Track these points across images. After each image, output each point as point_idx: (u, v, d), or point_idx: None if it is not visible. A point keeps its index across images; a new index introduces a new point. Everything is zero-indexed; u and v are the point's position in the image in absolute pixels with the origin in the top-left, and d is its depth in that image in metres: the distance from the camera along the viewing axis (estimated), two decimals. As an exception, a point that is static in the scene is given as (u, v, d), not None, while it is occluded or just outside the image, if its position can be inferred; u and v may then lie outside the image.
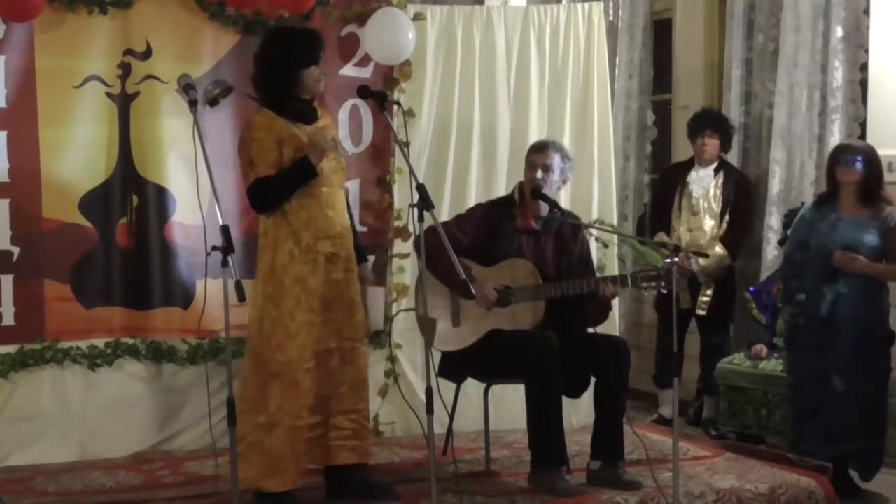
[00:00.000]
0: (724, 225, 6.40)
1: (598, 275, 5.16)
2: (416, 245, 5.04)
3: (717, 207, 6.42)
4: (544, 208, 4.96)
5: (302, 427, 4.40)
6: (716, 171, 6.48)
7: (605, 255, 6.00)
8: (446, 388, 4.90)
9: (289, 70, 4.40)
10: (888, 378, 5.24)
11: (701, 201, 6.48)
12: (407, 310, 5.63)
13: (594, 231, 5.75)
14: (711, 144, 6.51)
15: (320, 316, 4.43)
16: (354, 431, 4.54)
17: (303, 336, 4.37)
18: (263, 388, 4.35)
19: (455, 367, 4.96)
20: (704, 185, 6.49)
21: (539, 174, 4.91)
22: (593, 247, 5.75)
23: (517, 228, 4.94)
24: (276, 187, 4.34)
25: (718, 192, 6.44)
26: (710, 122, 6.57)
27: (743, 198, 6.46)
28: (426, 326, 4.53)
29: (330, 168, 4.45)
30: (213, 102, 4.42)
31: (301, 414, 4.39)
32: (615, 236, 5.98)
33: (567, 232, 5.00)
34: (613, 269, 6.04)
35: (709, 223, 6.44)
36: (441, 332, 4.82)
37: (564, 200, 5.96)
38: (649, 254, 5.82)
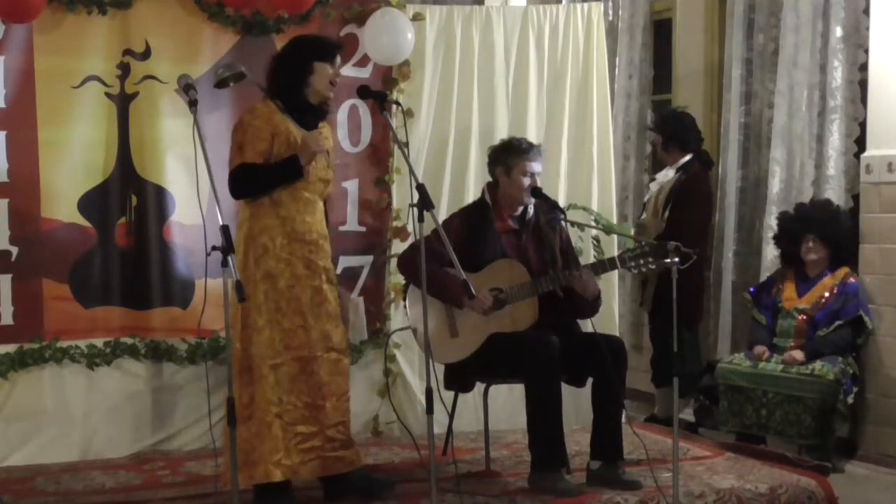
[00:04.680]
0: (663, 222, 6.43)
1: (580, 261, 5.16)
2: (401, 266, 5.04)
3: (660, 205, 6.46)
4: (519, 207, 4.95)
5: (270, 422, 4.37)
6: (677, 171, 6.50)
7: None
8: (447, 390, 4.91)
9: (302, 59, 4.42)
10: None
11: (652, 199, 6.56)
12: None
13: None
14: (656, 141, 6.64)
15: (300, 321, 4.42)
16: (342, 443, 4.54)
17: (269, 332, 4.37)
18: (235, 381, 4.31)
19: (460, 377, 4.95)
20: (661, 184, 6.56)
21: (538, 181, 4.93)
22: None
23: (496, 230, 4.93)
24: (258, 177, 4.36)
25: (667, 188, 6.46)
26: (658, 123, 6.66)
27: (682, 195, 6.43)
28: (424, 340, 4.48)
29: (318, 177, 4.46)
30: (220, 84, 4.45)
31: (270, 409, 4.37)
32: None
33: (544, 225, 4.99)
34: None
35: (651, 220, 6.48)
36: (441, 346, 4.80)
37: (563, 200, 5.97)
38: (630, 240, 5.87)
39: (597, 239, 6.13)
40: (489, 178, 5.92)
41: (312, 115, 4.51)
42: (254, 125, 4.37)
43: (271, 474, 4.35)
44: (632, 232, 6.06)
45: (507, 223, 4.97)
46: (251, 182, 4.37)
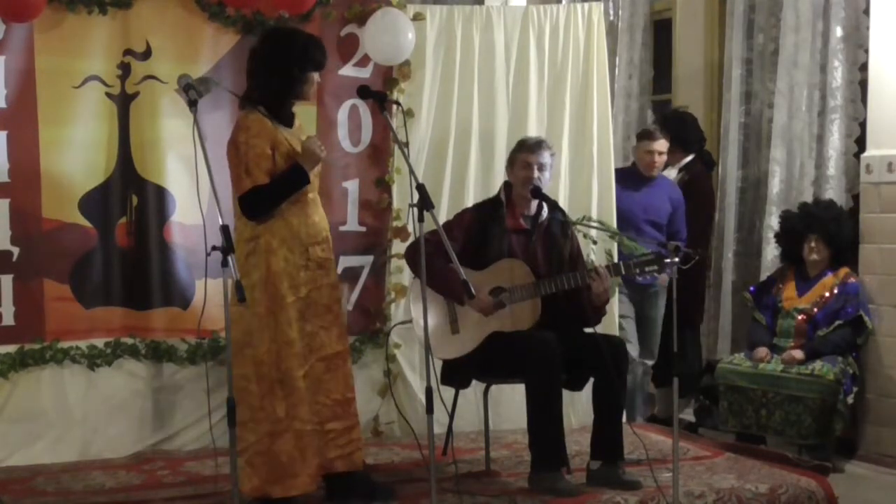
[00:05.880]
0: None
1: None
2: (408, 256, 5.05)
3: None
4: (532, 207, 4.96)
5: (309, 431, 4.37)
6: (679, 171, 6.51)
7: (594, 252, 6.01)
8: (446, 388, 4.90)
9: (301, 70, 4.38)
10: None
11: None
12: (404, 322, 5.60)
13: (581, 227, 5.75)
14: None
15: (320, 322, 4.43)
16: (354, 430, 4.56)
17: (299, 343, 4.36)
18: (267, 396, 4.31)
19: (457, 373, 4.95)
20: None
21: (535, 174, 4.91)
22: (582, 244, 5.74)
23: (506, 229, 4.93)
24: (271, 196, 4.32)
25: None
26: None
27: (685, 195, 6.42)
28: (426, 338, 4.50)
29: (314, 174, 4.45)
30: (191, 94, 4.35)
31: (308, 418, 4.37)
32: (602, 232, 6.01)
33: (556, 229, 5.00)
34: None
35: None
36: (441, 341, 4.81)
37: (563, 200, 5.97)
38: (637, 248, 5.86)
39: (610, 253, 6.13)
40: (489, 178, 5.99)
41: (289, 112, 4.49)
42: (252, 143, 4.30)
43: (308, 485, 4.37)
44: (637, 244, 6.03)
45: (519, 222, 4.97)
46: (265, 203, 4.32)
